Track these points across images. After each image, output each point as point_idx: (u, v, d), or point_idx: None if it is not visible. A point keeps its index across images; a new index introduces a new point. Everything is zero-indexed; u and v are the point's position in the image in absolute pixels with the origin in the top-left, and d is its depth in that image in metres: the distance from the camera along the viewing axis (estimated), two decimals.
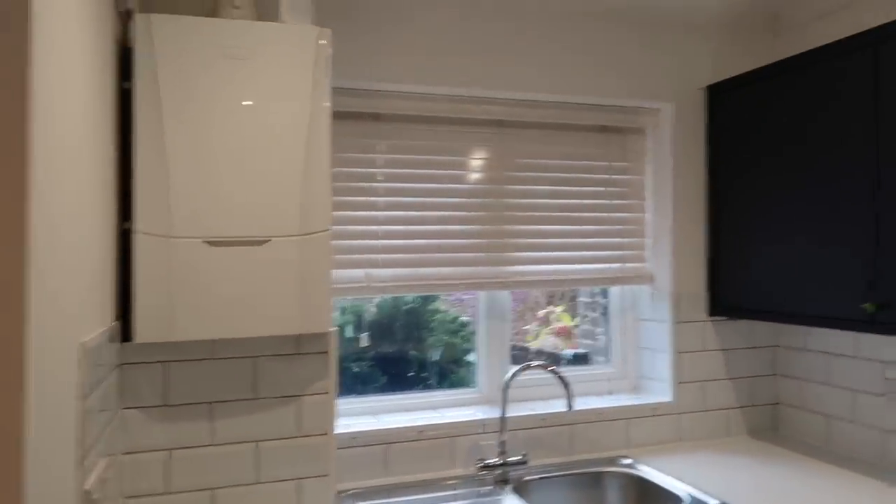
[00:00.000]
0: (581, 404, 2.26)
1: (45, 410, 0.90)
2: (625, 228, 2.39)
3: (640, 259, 2.42)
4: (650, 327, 2.44)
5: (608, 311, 2.53)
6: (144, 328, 1.50)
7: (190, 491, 1.62)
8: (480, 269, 2.20)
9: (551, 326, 2.64)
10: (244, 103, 1.55)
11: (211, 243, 1.53)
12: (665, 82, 2.33)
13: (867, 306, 1.77)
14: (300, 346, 1.71)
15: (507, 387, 2.05)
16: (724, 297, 2.31)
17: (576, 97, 2.24)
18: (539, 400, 2.31)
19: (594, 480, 2.08)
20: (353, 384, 2.23)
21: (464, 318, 2.43)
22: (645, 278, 2.41)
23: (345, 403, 2.14)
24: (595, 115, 2.31)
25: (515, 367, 2.07)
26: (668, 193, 2.36)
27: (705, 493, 1.87)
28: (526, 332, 2.61)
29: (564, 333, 2.64)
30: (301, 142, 1.59)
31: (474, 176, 2.21)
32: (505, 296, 2.33)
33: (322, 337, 1.72)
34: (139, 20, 1.47)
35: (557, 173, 2.29)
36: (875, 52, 1.77)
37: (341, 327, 2.22)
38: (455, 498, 1.91)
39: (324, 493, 1.72)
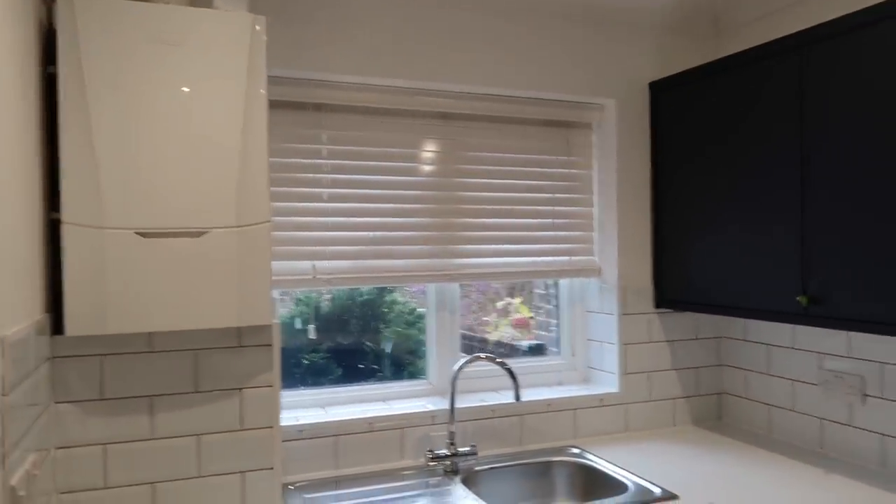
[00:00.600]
0: (530, 395, 2.29)
1: None
2: (572, 222, 2.43)
3: (588, 252, 2.46)
4: (598, 319, 2.48)
5: (559, 306, 2.57)
6: (75, 321, 1.47)
7: (129, 485, 1.59)
8: (429, 261, 2.20)
9: (510, 318, 2.67)
10: (177, 90, 1.52)
11: (143, 234, 1.50)
12: (610, 79, 2.37)
13: (801, 299, 1.83)
14: (242, 339, 1.69)
15: (455, 378, 2.06)
16: (668, 289, 2.36)
17: (522, 91, 2.27)
18: (490, 391, 2.33)
19: (543, 470, 2.11)
20: (306, 376, 2.22)
21: (421, 310, 2.43)
22: (593, 271, 2.45)
23: (294, 395, 2.13)
24: (541, 110, 2.34)
25: (464, 359, 2.08)
26: (613, 187, 2.40)
27: (649, 481, 1.91)
28: (486, 323, 2.62)
29: (522, 325, 2.67)
30: (237, 130, 1.57)
31: (422, 168, 2.21)
32: (454, 288, 2.34)
33: (264, 329, 1.70)
34: (62, 2, 1.43)
35: (506, 167, 2.32)
36: (802, 54, 1.83)
37: (291, 319, 2.21)
38: (404, 489, 1.91)
39: (269, 486, 1.71)
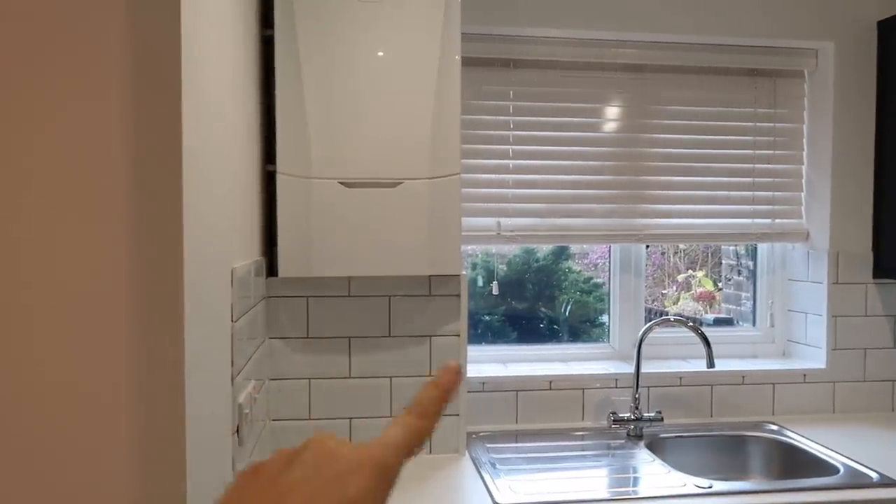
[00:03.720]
0: (723, 365, 2.14)
1: (200, 328, 0.99)
2: (776, 181, 2.22)
3: (794, 214, 2.24)
4: (802, 288, 2.26)
5: (756, 274, 2.37)
6: (286, 264, 1.60)
7: (330, 419, 1.72)
8: (613, 220, 2.13)
9: (691, 292, 2.52)
10: (377, 48, 1.59)
11: (346, 184, 1.59)
12: (828, 18, 2.11)
13: None
14: (432, 288, 1.75)
15: (641, 341, 1.99)
16: (891, 256, 2.09)
17: (721, 37, 2.09)
18: (675, 359, 2.22)
19: (735, 444, 1.97)
20: (484, 335, 2.26)
21: (598, 280, 2.37)
22: (798, 235, 2.23)
23: (476, 350, 2.17)
24: (743, 58, 2.15)
25: (652, 321, 1.99)
26: (828, 142, 2.15)
27: (864, 464, 1.72)
28: (664, 296, 2.51)
29: (706, 298, 2.51)
30: (431, 86, 1.61)
31: (609, 124, 2.13)
32: (640, 250, 2.25)
33: (452, 280, 1.75)
34: None
35: (700, 121, 2.16)
36: None
37: (475, 276, 2.25)
38: (585, 448, 1.89)
39: (455, 432, 1.77)
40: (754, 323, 2.37)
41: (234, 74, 1.28)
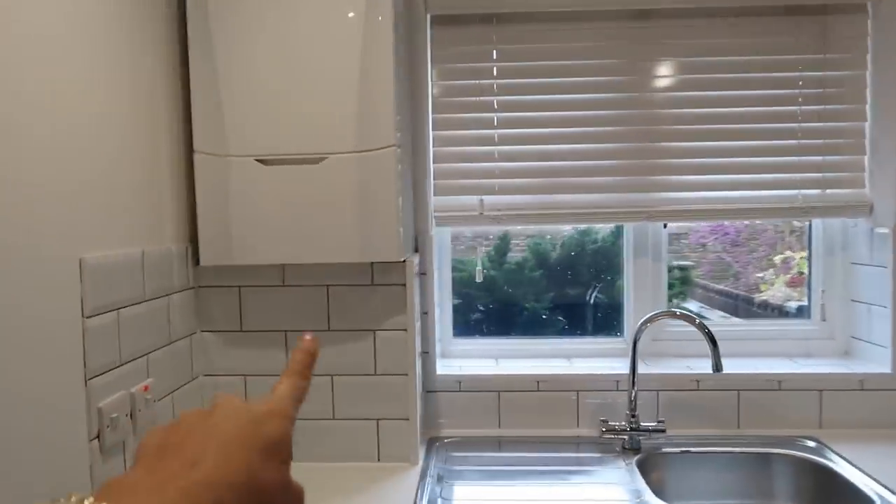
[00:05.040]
0: (757, 367, 1.79)
1: None
2: (829, 143, 1.80)
3: (855, 183, 1.82)
4: (866, 274, 1.84)
5: (810, 256, 1.97)
6: (207, 251, 1.47)
7: None
8: (621, 195, 1.82)
9: (788, 275, 2.13)
10: (293, 11, 1.41)
11: (263, 161, 1.43)
12: None
13: None
14: (374, 277, 1.56)
15: (637, 334, 1.68)
16: None
17: None
18: (698, 357, 1.87)
19: (755, 464, 1.63)
20: (529, 326, 2.03)
21: (683, 263, 2.03)
22: (859, 209, 1.81)
23: (487, 344, 1.96)
24: None
25: (651, 314, 1.69)
26: None
27: None
28: (762, 280, 2.12)
29: (799, 284, 2.12)
30: (355, 48, 1.40)
31: (612, 82, 1.82)
32: (658, 229, 1.92)
33: (397, 267, 1.54)
34: None
35: (726, 73, 1.79)
36: None
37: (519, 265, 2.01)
38: (559, 462, 1.61)
39: (405, 437, 1.57)
40: (810, 315, 1.97)
41: (96, 53, 1.16)
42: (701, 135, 1.80)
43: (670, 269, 1.97)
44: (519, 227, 2.01)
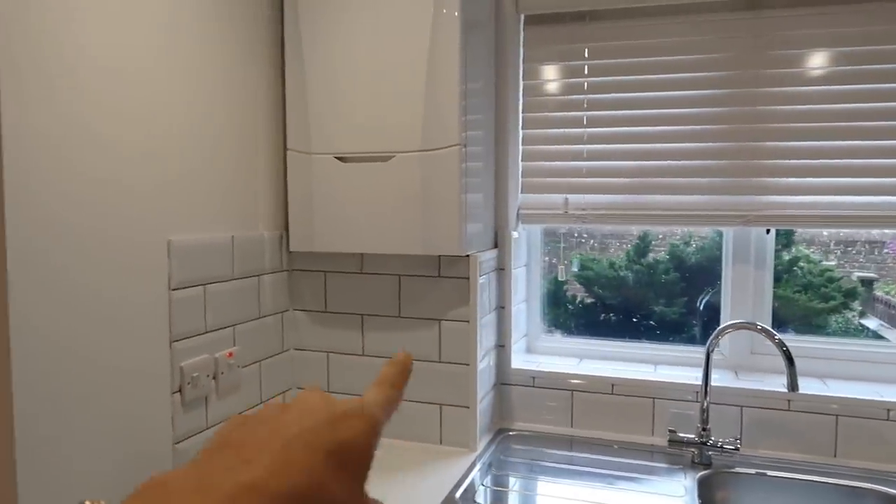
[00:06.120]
0: (863, 392, 1.62)
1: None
2: None
3: None
4: None
5: None
6: (295, 237, 1.65)
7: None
8: (720, 198, 1.73)
9: None
10: (372, 15, 1.53)
11: (341, 159, 1.58)
12: None
13: None
14: (441, 270, 1.64)
15: (711, 344, 1.60)
16: None
17: None
18: (808, 377, 1.73)
19: (840, 497, 1.48)
20: (666, 333, 1.99)
21: (835, 273, 1.87)
22: None
23: (579, 343, 1.98)
24: None
25: (726, 324, 1.59)
26: None
27: None
28: None
29: None
30: (423, 49, 1.49)
31: (713, 78, 1.72)
32: (761, 234, 1.79)
33: (461, 261, 1.61)
34: None
35: (840, 66, 1.63)
36: None
37: (650, 267, 1.99)
38: (615, 467, 1.58)
39: (465, 424, 1.64)
40: None
41: (194, 59, 1.37)
42: (810, 133, 1.65)
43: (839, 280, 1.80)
44: (662, 229, 1.96)
